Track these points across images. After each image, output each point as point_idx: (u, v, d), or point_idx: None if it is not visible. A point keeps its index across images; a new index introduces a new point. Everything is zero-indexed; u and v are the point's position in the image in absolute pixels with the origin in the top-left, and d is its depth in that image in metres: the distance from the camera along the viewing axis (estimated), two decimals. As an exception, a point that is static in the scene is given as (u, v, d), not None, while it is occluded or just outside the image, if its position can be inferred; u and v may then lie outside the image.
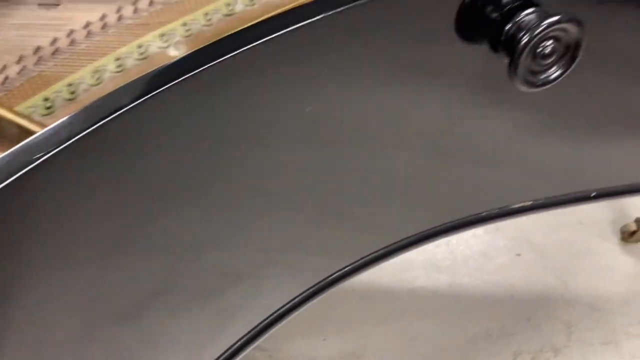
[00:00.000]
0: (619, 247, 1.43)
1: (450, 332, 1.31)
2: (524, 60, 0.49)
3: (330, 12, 0.50)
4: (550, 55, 0.50)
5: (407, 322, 1.33)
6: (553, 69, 0.51)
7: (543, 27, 0.48)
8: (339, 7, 0.50)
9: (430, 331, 1.31)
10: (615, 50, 0.59)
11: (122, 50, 0.58)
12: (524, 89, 0.50)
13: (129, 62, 0.56)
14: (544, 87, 0.51)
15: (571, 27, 0.49)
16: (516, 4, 0.51)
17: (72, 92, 0.54)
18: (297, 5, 0.55)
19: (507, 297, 1.37)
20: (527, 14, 0.50)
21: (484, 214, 0.69)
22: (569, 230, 1.47)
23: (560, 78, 0.51)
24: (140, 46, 0.58)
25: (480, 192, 0.66)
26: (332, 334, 1.31)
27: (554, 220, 1.48)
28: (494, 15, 0.51)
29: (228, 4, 0.62)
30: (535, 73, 0.50)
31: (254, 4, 0.62)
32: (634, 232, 1.40)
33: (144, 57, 0.57)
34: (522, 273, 1.41)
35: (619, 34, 0.57)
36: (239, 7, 0.61)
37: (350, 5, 0.50)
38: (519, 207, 0.69)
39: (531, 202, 0.70)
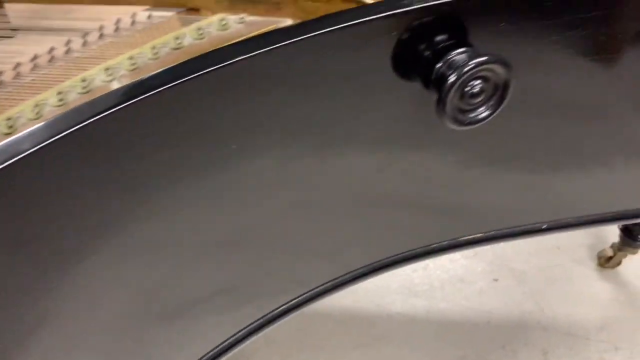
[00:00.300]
0: (595, 273, 1.43)
1: (426, 358, 1.30)
2: (452, 99, 0.49)
3: (263, 50, 0.50)
4: (478, 94, 0.50)
5: (383, 348, 1.32)
6: (482, 108, 0.51)
7: (470, 66, 0.49)
8: (273, 45, 0.50)
9: (406, 357, 1.30)
10: (550, 87, 0.59)
11: (66, 83, 0.58)
12: (453, 127, 0.51)
13: (71, 96, 0.57)
14: (473, 126, 0.51)
15: (499, 68, 0.49)
16: (448, 43, 0.51)
17: (10, 127, 0.54)
18: (239, 41, 0.56)
19: (483, 323, 1.36)
20: (458, 53, 0.50)
21: (433, 245, 0.69)
22: (547, 255, 1.47)
23: (490, 117, 0.51)
24: (84, 80, 0.58)
25: (424, 225, 0.66)
26: (307, 359, 1.30)
27: (532, 245, 1.47)
28: (427, 53, 0.52)
29: (177, 38, 0.62)
30: (464, 112, 0.51)
31: (202, 38, 0.62)
32: (610, 258, 1.40)
33: (86, 91, 0.57)
34: (499, 298, 1.40)
35: (549, 74, 0.58)
36: (187, 41, 0.62)
37: (291, 40, 0.51)
38: (469, 239, 0.69)
39: (482, 235, 0.70)
